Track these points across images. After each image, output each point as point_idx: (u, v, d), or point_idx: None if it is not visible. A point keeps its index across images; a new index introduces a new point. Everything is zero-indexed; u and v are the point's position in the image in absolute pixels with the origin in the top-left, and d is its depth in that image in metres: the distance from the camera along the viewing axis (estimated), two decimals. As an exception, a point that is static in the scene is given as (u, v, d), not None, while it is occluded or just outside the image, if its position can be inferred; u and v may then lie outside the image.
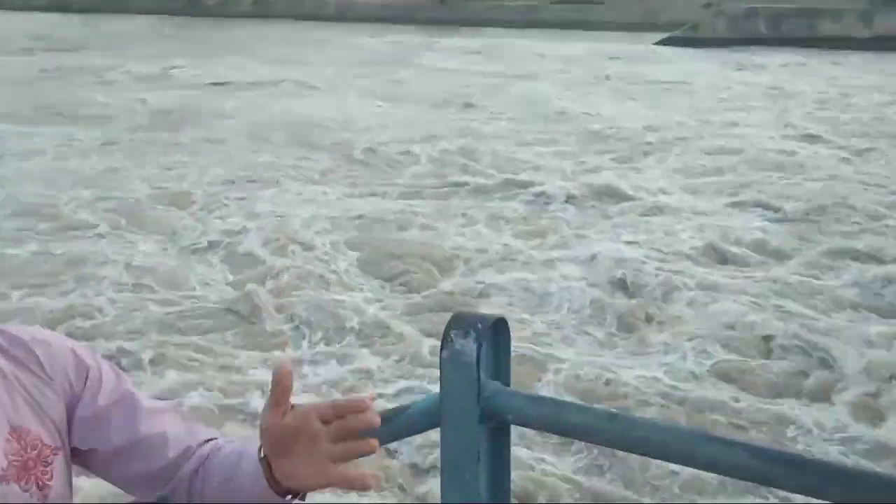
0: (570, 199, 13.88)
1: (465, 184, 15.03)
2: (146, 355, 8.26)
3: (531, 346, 8.12)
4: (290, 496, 1.31)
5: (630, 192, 14.22)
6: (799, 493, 1.19)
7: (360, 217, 13.04)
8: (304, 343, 8.58)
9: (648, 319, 9.10)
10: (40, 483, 1.36)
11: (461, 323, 1.38)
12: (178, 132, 20.97)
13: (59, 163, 18.12)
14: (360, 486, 1.27)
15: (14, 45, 44.86)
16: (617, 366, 7.98)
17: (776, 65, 35.70)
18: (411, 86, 30.31)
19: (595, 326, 8.95)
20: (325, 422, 1.25)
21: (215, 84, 30.37)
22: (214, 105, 25.46)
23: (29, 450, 1.33)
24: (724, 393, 7.56)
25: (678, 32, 47.81)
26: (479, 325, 1.37)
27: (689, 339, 8.54)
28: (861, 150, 18.43)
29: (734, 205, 13.84)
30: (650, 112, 24.98)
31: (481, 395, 1.37)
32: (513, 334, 1.46)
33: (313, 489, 1.29)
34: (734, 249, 11.39)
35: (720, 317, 9.10)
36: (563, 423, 1.35)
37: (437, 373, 1.44)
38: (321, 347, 8.43)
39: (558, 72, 36.26)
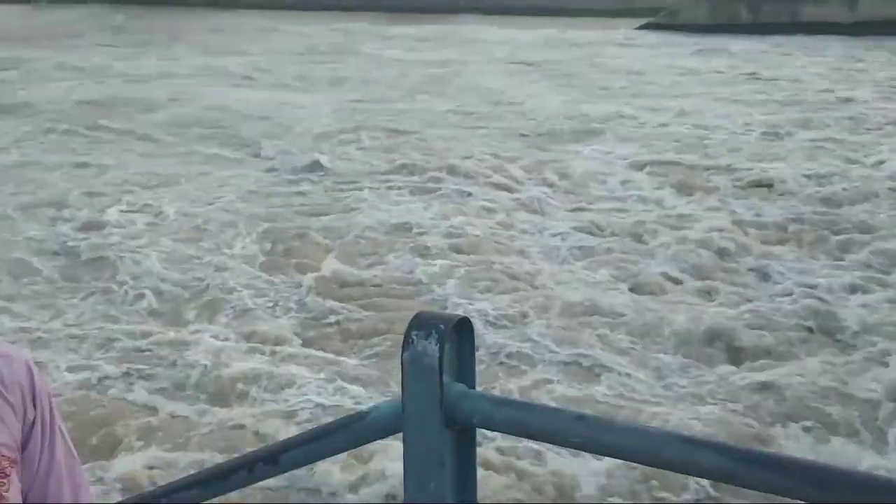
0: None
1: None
2: None
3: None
4: None
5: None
6: (772, 492, 1.19)
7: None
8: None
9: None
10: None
11: (423, 324, 1.36)
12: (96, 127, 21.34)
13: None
14: None
15: None
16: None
17: (743, 50, 36.06)
18: (341, 75, 30.25)
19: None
20: None
21: (142, 76, 30.36)
22: (137, 97, 25.86)
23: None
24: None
25: (657, 18, 47.99)
26: (442, 326, 1.35)
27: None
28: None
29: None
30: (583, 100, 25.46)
31: (445, 398, 1.35)
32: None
33: None
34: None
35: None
36: (530, 425, 1.33)
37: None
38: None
39: (505, 60, 36.66)
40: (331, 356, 8.27)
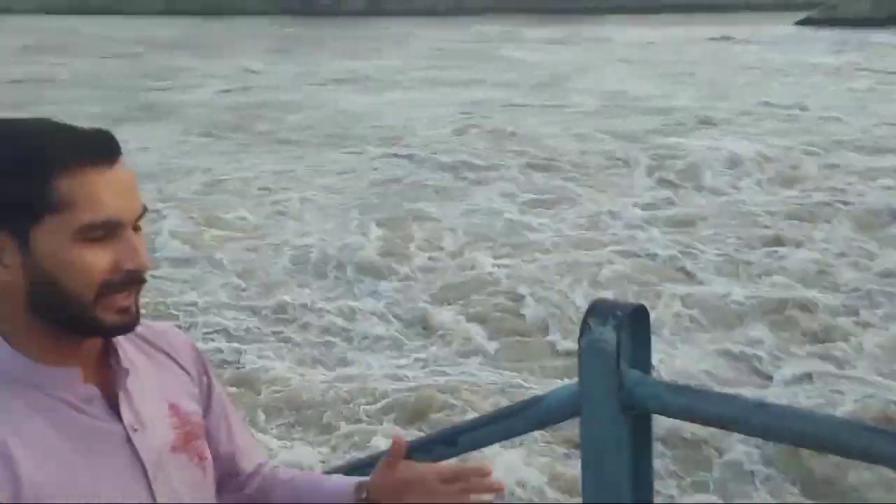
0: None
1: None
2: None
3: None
4: None
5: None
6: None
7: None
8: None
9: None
10: (200, 455, 1.49)
11: (600, 310, 1.40)
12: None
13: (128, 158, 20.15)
14: None
15: (122, 49, 47.13)
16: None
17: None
18: (470, 77, 30.65)
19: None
20: (446, 481, 1.51)
21: (283, 83, 31.78)
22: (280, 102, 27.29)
23: (186, 424, 1.45)
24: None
25: (814, 13, 46.61)
26: (619, 313, 1.39)
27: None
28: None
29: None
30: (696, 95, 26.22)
31: (622, 384, 1.39)
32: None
33: None
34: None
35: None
36: (708, 413, 1.36)
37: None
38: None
39: (634, 59, 37.05)
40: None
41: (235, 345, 9.36)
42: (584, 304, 11.26)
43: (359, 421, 7.72)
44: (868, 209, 13.67)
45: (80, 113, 26.64)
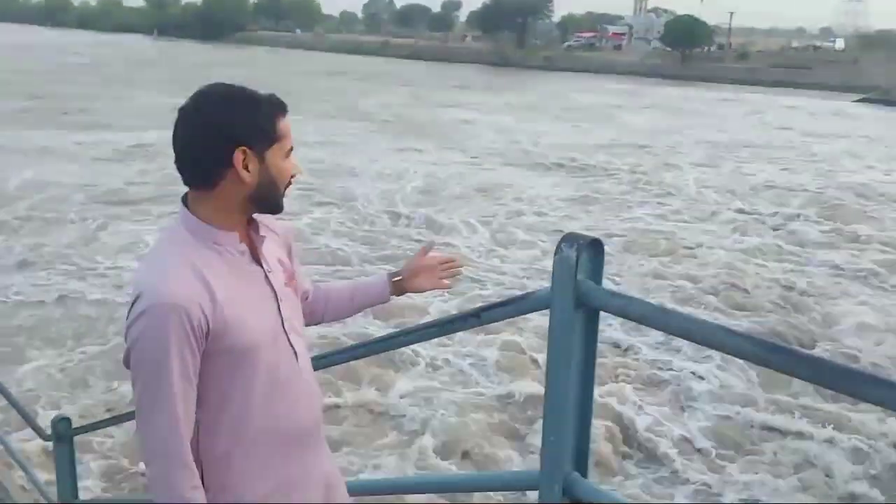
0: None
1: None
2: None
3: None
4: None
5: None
6: (788, 374, 1.17)
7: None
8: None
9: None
10: (295, 288, 1.71)
11: (568, 238, 1.43)
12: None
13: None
14: (447, 287, 1.96)
15: (398, 82, 49.44)
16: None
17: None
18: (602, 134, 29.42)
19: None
20: (441, 262, 1.94)
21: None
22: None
23: (287, 270, 1.65)
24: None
25: (871, 94, 43.19)
26: (581, 241, 1.42)
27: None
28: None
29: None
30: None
31: (577, 288, 1.41)
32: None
33: (425, 290, 1.94)
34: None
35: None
36: (632, 312, 1.37)
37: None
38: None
39: (722, 116, 36.44)
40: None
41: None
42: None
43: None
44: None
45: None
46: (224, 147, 1.47)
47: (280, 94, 1.57)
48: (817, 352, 8.28)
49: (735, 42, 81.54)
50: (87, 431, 4.20)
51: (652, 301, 1.39)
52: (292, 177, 1.58)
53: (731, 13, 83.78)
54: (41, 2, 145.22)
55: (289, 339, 1.59)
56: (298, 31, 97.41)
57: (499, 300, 1.70)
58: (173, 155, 1.52)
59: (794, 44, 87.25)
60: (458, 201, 16.25)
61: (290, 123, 1.58)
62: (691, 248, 12.71)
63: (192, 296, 1.43)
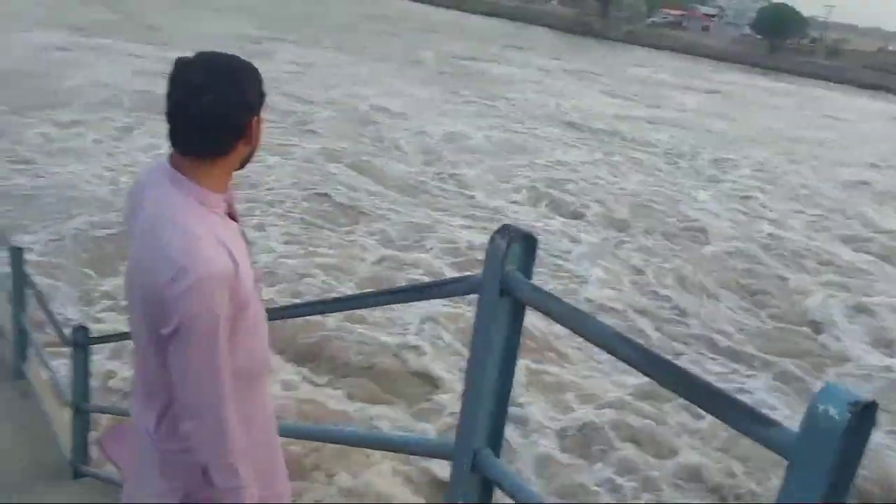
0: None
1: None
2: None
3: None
4: None
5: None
6: (668, 389, 1.20)
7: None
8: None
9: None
10: (260, 293, 1.73)
11: (501, 230, 1.47)
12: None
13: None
14: None
15: (465, 37, 49.16)
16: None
17: None
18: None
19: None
20: None
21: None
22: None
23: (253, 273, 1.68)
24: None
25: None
26: (512, 234, 1.45)
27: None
28: None
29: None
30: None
31: (504, 278, 1.46)
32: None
33: None
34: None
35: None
36: (548, 307, 1.41)
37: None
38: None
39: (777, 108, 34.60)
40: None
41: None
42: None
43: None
44: None
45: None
46: (250, 117, 1.55)
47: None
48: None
49: (830, 38, 77.90)
50: (102, 342, 4.43)
51: (569, 301, 1.42)
52: None
53: (831, 7, 79.94)
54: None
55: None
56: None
57: (439, 280, 1.76)
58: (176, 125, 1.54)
59: (892, 47, 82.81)
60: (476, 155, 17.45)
61: None
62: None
63: (227, 263, 1.49)
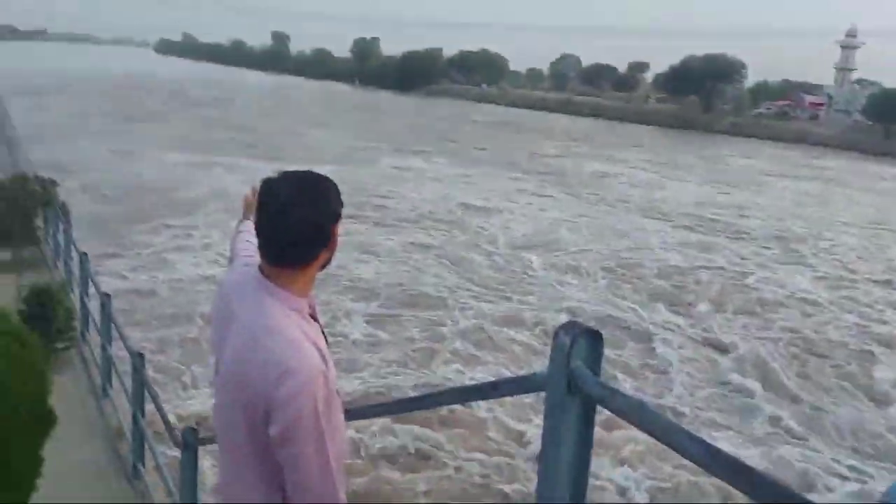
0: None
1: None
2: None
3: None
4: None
5: None
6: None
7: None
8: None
9: None
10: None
11: (567, 325, 1.48)
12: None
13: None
14: None
15: (567, 139, 50.57)
16: None
17: None
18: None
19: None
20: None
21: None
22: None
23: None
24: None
25: None
26: (577, 329, 1.46)
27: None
28: None
29: None
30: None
31: (570, 374, 1.45)
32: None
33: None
34: None
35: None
36: (614, 404, 1.39)
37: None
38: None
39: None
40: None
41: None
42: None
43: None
44: None
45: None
46: (333, 226, 1.68)
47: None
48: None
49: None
50: (213, 443, 4.58)
51: (638, 396, 1.39)
52: None
53: (950, 90, 76.27)
54: (265, 50, 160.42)
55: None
56: (484, 85, 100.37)
57: (508, 377, 1.77)
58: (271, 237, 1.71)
59: None
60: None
61: None
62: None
63: (320, 362, 1.60)
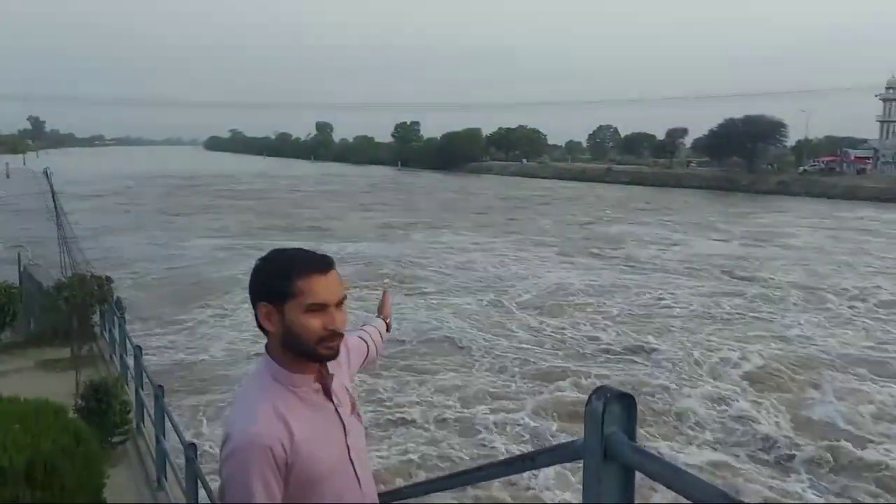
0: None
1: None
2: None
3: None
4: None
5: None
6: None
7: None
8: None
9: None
10: (359, 413, 1.86)
11: (597, 391, 1.47)
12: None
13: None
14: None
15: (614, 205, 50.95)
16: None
17: None
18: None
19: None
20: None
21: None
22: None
23: (351, 397, 1.82)
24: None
25: None
26: (608, 394, 1.45)
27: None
28: None
29: None
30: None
31: (604, 440, 1.43)
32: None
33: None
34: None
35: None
36: (651, 469, 1.37)
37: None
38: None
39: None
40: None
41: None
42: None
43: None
44: None
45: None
46: (257, 303, 1.69)
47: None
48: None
49: None
50: None
51: (674, 462, 1.37)
52: (333, 331, 1.67)
53: None
54: (309, 140, 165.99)
55: (354, 468, 1.74)
56: (524, 160, 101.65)
57: (546, 448, 1.75)
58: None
59: None
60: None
61: (327, 280, 1.67)
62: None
63: (273, 436, 1.59)
